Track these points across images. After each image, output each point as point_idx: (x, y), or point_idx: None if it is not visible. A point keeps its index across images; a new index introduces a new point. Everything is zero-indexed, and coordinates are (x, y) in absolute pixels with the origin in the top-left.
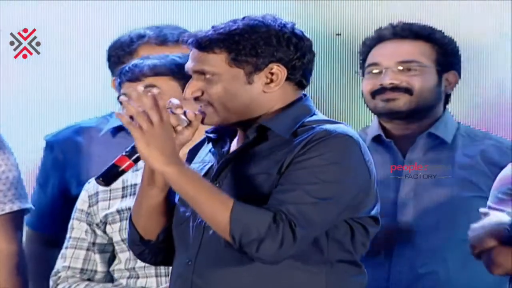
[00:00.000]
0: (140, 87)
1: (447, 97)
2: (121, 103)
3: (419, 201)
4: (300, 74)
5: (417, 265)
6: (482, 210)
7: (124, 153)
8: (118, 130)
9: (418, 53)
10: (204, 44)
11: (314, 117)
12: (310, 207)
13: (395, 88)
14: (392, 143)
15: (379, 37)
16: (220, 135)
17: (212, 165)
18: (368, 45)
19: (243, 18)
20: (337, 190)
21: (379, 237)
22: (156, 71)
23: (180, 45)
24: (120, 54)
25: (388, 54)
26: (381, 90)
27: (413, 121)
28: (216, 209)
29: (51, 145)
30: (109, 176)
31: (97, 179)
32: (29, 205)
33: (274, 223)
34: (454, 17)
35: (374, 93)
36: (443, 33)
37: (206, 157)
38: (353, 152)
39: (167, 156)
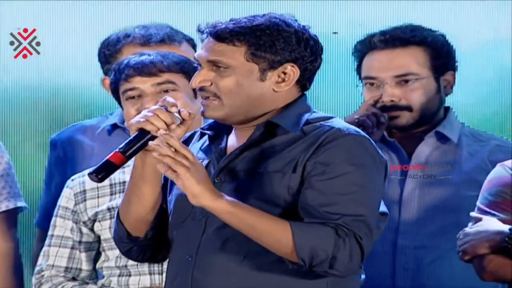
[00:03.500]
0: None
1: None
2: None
3: (424, 199)
4: (307, 77)
5: (422, 262)
6: (473, 214)
7: (117, 150)
8: (114, 127)
9: (413, 62)
10: (225, 35)
11: (314, 115)
12: (365, 217)
13: (395, 106)
14: (396, 142)
15: (370, 46)
16: (217, 132)
17: (209, 162)
18: (360, 51)
19: (264, 15)
20: (373, 191)
21: (384, 234)
22: (171, 68)
23: (164, 45)
24: (106, 53)
25: (383, 67)
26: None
27: (417, 128)
28: (278, 235)
29: (54, 144)
30: (103, 172)
31: (90, 174)
32: (23, 203)
33: (339, 239)
34: (452, 16)
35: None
36: (435, 33)
37: (198, 154)
38: (372, 151)
39: (212, 191)
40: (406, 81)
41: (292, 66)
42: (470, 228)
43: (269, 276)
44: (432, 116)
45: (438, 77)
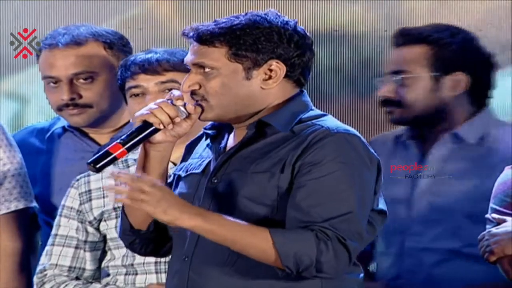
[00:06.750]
0: None
1: (479, 97)
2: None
3: (434, 200)
4: (299, 72)
5: (428, 264)
6: (494, 216)
7: (118, 141)
8: (64, 130)
9: (409, 60)
10: (205, 37)
11: (310, 113)
12: (351, 217)
13: (388, 101)
14: (411, 143)
15: (393, 43)
16: (218, 132)
17: (209, 161)
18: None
19: (246, 13)
20: (362, 189)
21: (392, 236)
22: (177, 67)
23: (70, 49)
24: None
25: (388, 63)
26: (382, 102)
27: (430, 126)
28: (260, 246)
29: None
30: (101, 162)
31: (88, 164)
32: (34, 203)
33: (320, 242)
34: (453, 15)
35: (381, 105)
36: (449, 32)
37: (203, 153)
38: (361, 150)
39: (185, 212)
40: (400, 79)
41: (277, 63)
42: (497, 229)
43: (264, 278)
44: (441, 114)
45: (439, 76)
